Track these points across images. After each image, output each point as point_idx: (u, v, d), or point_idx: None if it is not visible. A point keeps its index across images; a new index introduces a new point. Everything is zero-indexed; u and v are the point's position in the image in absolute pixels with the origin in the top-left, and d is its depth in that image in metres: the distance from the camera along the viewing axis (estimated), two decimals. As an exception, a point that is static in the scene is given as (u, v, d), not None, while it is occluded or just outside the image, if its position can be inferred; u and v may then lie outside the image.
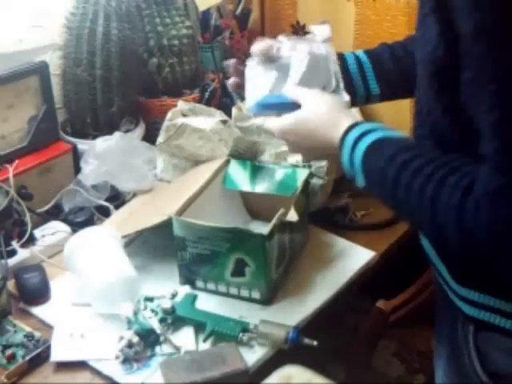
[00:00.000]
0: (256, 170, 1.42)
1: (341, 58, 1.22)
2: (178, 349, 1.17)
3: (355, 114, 1.65)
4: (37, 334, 1.20)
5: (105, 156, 1.52)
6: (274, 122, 1.11)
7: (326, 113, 1.06)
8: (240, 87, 1.22)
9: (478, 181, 0.83)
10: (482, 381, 1.01)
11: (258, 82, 1.15)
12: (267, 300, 1.27)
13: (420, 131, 1.01)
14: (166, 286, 1.27)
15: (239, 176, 1.42)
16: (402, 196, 0.91)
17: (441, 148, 0.94)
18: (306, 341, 1.16)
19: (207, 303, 1.26)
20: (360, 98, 1.24)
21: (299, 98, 1.09)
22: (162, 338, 1.17)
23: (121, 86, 1.63)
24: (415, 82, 1.02)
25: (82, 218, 1.47)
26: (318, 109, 1.07)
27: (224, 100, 1.81)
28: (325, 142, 1.04)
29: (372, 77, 1.23)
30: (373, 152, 0.96)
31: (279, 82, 1.13)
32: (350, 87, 1.20)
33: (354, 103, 1.24)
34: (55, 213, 1.49)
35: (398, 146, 0.95)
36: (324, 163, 1.44)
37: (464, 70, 0.84)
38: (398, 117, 1.75)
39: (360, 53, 1.25)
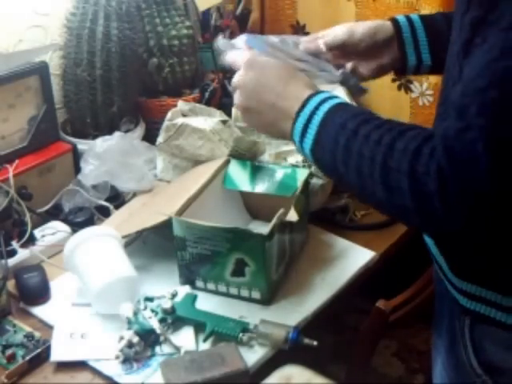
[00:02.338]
0: (256, 170, 1.42)
1: (394, 22, 1.20)
2: (178, 349, 1.17)
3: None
4: (37, 334, 1.20)
5: (105, 156, 1.52)
6: (243, 53, 1.09)
7: (295, 74, 1.03)
8: None
9: (438, 129, 0.83)
10: (476, 373, 1.02)
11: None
12: (267, 300, 1.27)
13: (442, 109, 0.99)
14: (165, 286, 1.27)
15: (239, 176, 1.42)
16: (356, 147, 0.89)
17: None
18: (306, 341, 1.16)
19: (207, 303, 1.26)
20: (411, 66, 1.21)
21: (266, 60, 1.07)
22: (161, 338, 1.17)
23: (121, 86, 1.63)
24: None
25: (82, 218, 1.47)
26: (286, 68, 1.05)
27: (224, 100, 1.81)
28: (295, 91, 1.00)
29: (425, 45, 1.20)
30: (337, 111, 0.94)
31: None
32: (401, 52, 1.20)
33: (404, 71, 1.23)
34: (55, 213, 1.49)
35: (363, 109, 0.96)
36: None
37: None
38: (398, 116, 1.75)
39: (415, 17, 1.21)
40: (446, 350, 1.10)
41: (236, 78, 1.06)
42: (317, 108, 0.95)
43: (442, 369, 1.12)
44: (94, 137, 1.61)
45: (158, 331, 1.17)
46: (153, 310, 1.20)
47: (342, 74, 1.22)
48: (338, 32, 1.22)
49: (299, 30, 1.97)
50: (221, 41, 1.22)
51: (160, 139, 1.55)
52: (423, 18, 1.22)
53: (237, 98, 1.06)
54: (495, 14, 0.80)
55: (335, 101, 0.96)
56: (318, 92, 0.99)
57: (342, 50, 1.22)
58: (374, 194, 0.88)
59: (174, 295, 1.23)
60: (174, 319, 1.20)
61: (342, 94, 1.69)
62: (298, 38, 1.25)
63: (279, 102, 1.00)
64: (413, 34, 1.20)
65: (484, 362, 1.01)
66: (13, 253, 1.35)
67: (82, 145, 1.59)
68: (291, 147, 1.46)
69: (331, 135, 0.92)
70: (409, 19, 1.21)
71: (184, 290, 1.28)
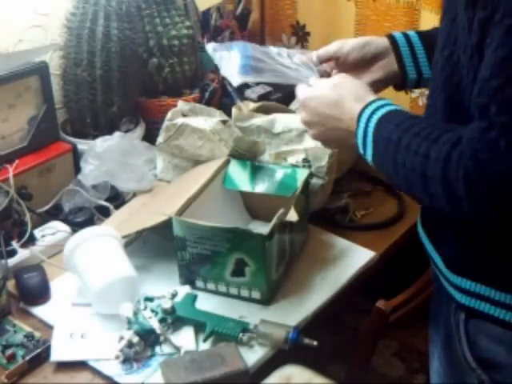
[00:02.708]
0: (256, 170, 1.42)
1: (390, 37, 1.23)
2: (178, 349, 1.17)
3: None
4: (37, 334, 1.20)
5: (105, 156, 1.52)
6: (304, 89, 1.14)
7: (356, 85, 1.09)
8: None
9: (466, 131, 0.87)
10: (471, 367, 1.03)
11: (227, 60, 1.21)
12: (267, 300, 1.27)
13: (432, 99, 1.03)
14: (165, 286, 1.27)
15: (239, 176, 1.42)
16: (400, 158, 0.95)
17: (453, 118, 0.97)
18: (306, 341, 1.16)
19: (207, 303, 1.26)
20: (411, 80, 1.24)
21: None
22: (161, 338, 1.17)
23: (121, 86, 1.63)
24: None
25: (82, 218, 1.47)
26: (348, 79, 1.11)
27: (224, 100, 1.81)
28: (349, 111, 1.05)
29: (424, 59, 1.22)
30: (383, 122, 1.00)
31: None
32: (400, 69, 1.22)
33: (404, 86, 1.26)
34: (55, 213, 1.49)
35: (405, 115, 1.01)
36: (324, 163, 1.44)
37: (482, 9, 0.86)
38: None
39: (411, 33, 1.24)
40: (443, 346, 1.11)
41: (301, 118, 1.16)
42: (367, 123, 1.02)
43: (439, 364, 1.14)
44: (94, 137, 1.61)
45: (158, 331, 1.17)
46: (153, 310, 1.20)
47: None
48: (329, 46, 1.27)
49: (299, 29, 1.98)
50: (211, 45, 1.25)
51: (160, 139, 1.55)
52: (419, 33, 1.25)
53: (308, 130, 1.16)
54: (500, 13, 0.82)
55: (382, 111, 1.01)
56: (367, 105, 1.03)
57: (334, 63, 1.26)
58: (421, 199, 1.00)
59: (174, 295, 1.23)
60: (173, 319, 1.20)
61: None
62: (293, 52, 1.29)
63: (340, 124, 1.08)
64: (410, 48, 1.22)
65: (478, 356, 1.03)
66: (13, 253, 1.35)
67: (82, 145, 1.59)
68: (291, 147, 1.46)
69: (381, 149, 1.00)
70: (405, 34, 1.23)
71: (184, 290, 1.28)
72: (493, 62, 0.83)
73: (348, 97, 1.07)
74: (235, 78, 1.20)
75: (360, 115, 1.03)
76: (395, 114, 1.01)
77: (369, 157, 1.02)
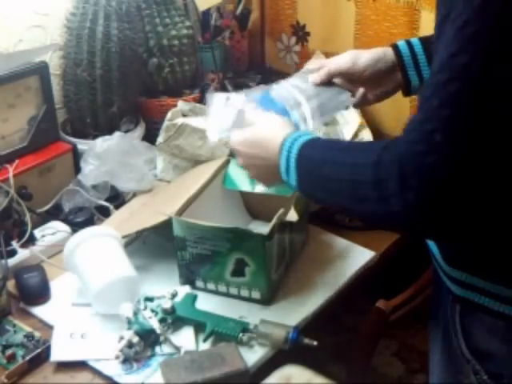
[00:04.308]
0: (256, 170, 1.42)
1: (394, 46, 1.25)
2: (178, 349, 1.17)
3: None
4: (37, 334, 1.20)
5: (105, 156, 1.52)
6: (235, 137, 1.16)
7: (274, 127, 1.11)
8: None
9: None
10: (466, 358, 1.05)
11: (220, 114, 1.21)
12: (267, 300, 1.27)
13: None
14: (165, 286, 1.27)
15: (239, 176, 1.42)
16: (327, 171, 0.96)
17: None
18: (306, 341, 1.16)
19: (207, 303, 1.26)
20: (415, 87, 1.26)
21: (255, 118, 1.15)
22: (161, 338, 1.17)
23: (121, 86, 1.63)
24: None
25: (82, 218, 1.47)
26: (268, 123, 1.12)
27: (224, 100, 1.81)
28: (271, 149, 1.08)
29: (425, 66, 1.24)
30: (306, 148, 1.02)
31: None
32: (404, 76, 1.25)
33: (408, 93, 1.28)
34: (55, 213, 1.49)
35: (325, 140, 1.08)
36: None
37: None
38: (398, 116, 1.75)
39: (414, 40, 1.26)
40: (442, 339, 1.13)
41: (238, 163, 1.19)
42: (289, 150, 1.03)
43: (439, 357, 1.15)
44: (94, 137, 1.62)
45: (158, 331, 1.17)
46: (153, 310, 1.20)
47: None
48: (341, 61, 1.27)
49: (299, 29, 1.97)
50: (215, 96, 1.23)
51: (160, 139, 1.55)
52: (422, 40, 1.26)
53: (248, 173, 1.18)
54: (455, 12, 0.83)
55: (303, 138, 1.03)
56: (285, 137, 1.06)
57: (346, 78, 1.27)
58: (349, 208, 0.96)
59: (174, 295, 1.23)
60: (173, 319, 1.20)
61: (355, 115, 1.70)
62: (306, 70, 1.31)
63: (268, 162, 1.09)
64: (413, 57, 1.24)
65: (473, 347, 1.04)
66: (13, 253, 1.35)
67: (82, 145, 1.59)
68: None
69: (306, 169, 1.01)
70: (409, 43, 1.25)
71: (184, 290, 1.28)
72: (442, 57, 0.84)
73: (267, 135, 1.09)
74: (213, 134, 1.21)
75: (282, 146, 1.05)
76: (316, 140, 1.04)
77: (293, 181, 1.03)
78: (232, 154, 1.45)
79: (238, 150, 1.14)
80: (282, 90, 1.23)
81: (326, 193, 0.98)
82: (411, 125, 0.86)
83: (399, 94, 1.40)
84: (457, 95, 0.82)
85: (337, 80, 1.27)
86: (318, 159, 0.99)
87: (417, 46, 1.25)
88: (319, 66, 1.28)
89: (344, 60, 1.26)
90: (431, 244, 1.10)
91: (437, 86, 0.84)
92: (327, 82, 1.26)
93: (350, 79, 1.27)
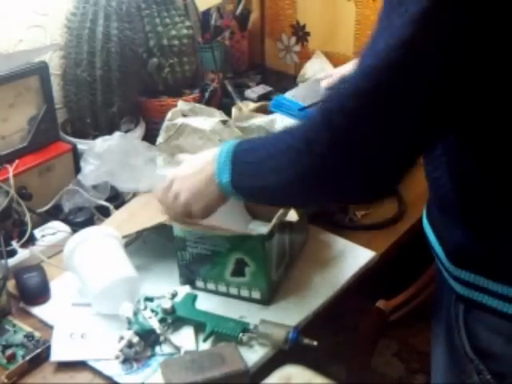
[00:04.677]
0: (256, 170, 1.42)
1: None
2: (178, 349, 1.17)
3: None
4: (37, 334, 1.20)
5: (105, 156, 1.52)
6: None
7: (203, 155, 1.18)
8: None
9: None
10: (469, 357, 1.05)
11: None
12: (267, 300, 1.27)
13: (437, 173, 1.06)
14: (165, 286, 1.27)
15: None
16: (260, 155, 1.04)
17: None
18: (306, 341, 1.16)
19: (207, 303, 1.26)
20: None
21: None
22: (161, 338, 1.17)
23: (121, 86, 1.63)
24: None
25: (82, 218, 1.47)
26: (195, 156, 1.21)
27: (224, 100, 1.81)
28: (205, 163, 1.13)
29: None
30: (238, 146, 1.08)
31: None
32: None
33: None
34: (55, 213, 1.49)
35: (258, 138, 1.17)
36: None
37: None
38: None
39: None
40: (445, 337, 1.13)
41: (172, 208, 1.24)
42: (222, 152, 1.09)
43: (441, 355, 1.15)
44: (94, 137, 1.62)
45: (158, 331, 1.17)
46: (153, 310, 1.20)
47: None
48: (351, 68, 1.27)
49: (299, 29, 1.98)
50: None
51: (160, 139, 1.55)
52: None
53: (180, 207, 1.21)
54: (403, 6, 0.86)
55: (235, 142, 1.10)
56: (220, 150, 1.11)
57: None
58: (289, 178, 1.00)
59: (174, 295, 1.23)
60: (174, 319, 1.20)
61: None
62: (314, 79, 1.36)
63: (201, 176, 1.15)
64: None
65: (476, 346, 1.04)
66: (13, 253, 1.35)
67: (82, 145, 1.59)
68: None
69: (240, 160, 1.07)
70: None
71: (184, 290, 1.28)
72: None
73: (198, 158, 1.17)
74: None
75: (218, 155, 1.10)
76: (248, 140, 1.12)
77: (226, 178, 1.08)
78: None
79: (171, 179, 1.19)
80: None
81: (266, 176, 1.02)
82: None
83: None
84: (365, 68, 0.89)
85: None
86: (251, 149, 1.06)
87: None
88: (326, 74, 1.29)
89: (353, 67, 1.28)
90: (435, 243, 1.10)
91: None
92: None
93: None
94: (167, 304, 1.20)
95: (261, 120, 1.51)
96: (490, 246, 0.99)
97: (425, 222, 1.15)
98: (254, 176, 1.04)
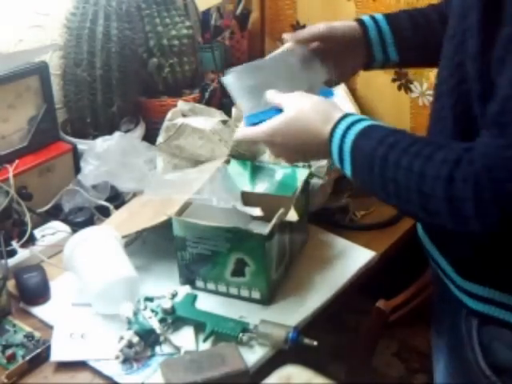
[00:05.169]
0: (256, 170, 1.42)
1: (359, 21, 1.23)
2: (178, 349, 1.17)
3: (352, 110, 1.65)
4: (37, 334, 1.20)
5: (105, 156, 1.52)
6: (257, 128, 1.10)
7: (314, 109, 1.05)
8: None
9: (478, 147, 0.85)
10: (485, 374, 1.01)
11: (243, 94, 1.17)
12: (267, 300, 1.27)
13: (439, 103, 1.01)
14: (165, 286, 1.27)
15: (239, 176, 1.42)
16: (390, 175, 0.92)
17: (461, 123, 0.95)
18: (306, 341, 1.16)
19: (207, 303, 1.26)
20: (377, 63, 1.25)
21: (282, 103, 1.09)
22: (161, 338, 1.17)
23: (121, 85, 1.63)
24: (436, 53, 1.03)
25: (82, 218, 1.47)
26: (304, 107, 1.06)
27: (224, 100, 1.81)
28: (315, 137, 1.03)
29: (392, 43, 1.22)
30: (362, 138, 0.97)
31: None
32: (368, 52, 1.22)
33: (370, 67, 1.26)
34: (55, 213, 1.49)
35: (386, 130, 0.97)
36: (324, 163, 1.44)
37: (505, 25, 0.84)
38: (398, 116, 1.75)
39: (379, 17, 1.23)
40: (449, 351, 1.10)
41: (271, 153, 1.18)
42: (342, 142, 0.99)
43: (445, 369, 1.12)
44: (94, 137, 1.62)
45: (158, 331, 1.17)
46: (153, 310, 1.20)
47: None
48: (317, 26, 1.23)
49: (299, 30, 1.97)
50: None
51: (160, 139, 1.55)
52: (387, 16, 1.24)
53: (283, 159, 1.16)
54: None
55: (358, 127, 0.98)
56: (336, 124, 1.01)
57: (322, 43, 1.22)
58: (417, 215, 0.96)
59: (174, 295, 1.23)
60: (174, 319, 1.20)
61: (343, 93, 1.69)
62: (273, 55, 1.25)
63: (312, 149, 1.06)
64: (379, 33, 1.22)
65: (493, 363, 1.00)
66: (13, 253, 1.35)
67: (82, 145, 1.59)
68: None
69: (364, 166, 0.96)
70: (373, 19, 1.23)
71: (184, 290, 1.28)
72: None
73: (313, 122, 1.04)
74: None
75: (332, 136, 1.00)
76: (375, 129, 0.98)
77: (348, 172, 1.00)
78: (232, 154, 1.45)
79: (275, 141, 1.08)
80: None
81: (390, 195, 0.94)
82: (489, 148, 0.83)
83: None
84: None
85: (313, 45, 1.22)
86: (379, 158, 0.93)
87: (382, 22, 1.23)
88: (293, 35, 1.23)
89: (320, 26, 1.23)
90: (435, 253, 1.07)
91: None
92: (303, 58, 1.21)
93: (326, 45, 1.21)
94: (167, 304, 1.20)
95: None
96: (503, 257, 0.94)
97: (420, 233, 1.12)
98: (374, 186, 0.97)
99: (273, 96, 1.12)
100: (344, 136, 0.99)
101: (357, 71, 1.29)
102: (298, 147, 1.08)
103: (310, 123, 1.04)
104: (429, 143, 0.91)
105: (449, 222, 0.87)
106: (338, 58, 1.23)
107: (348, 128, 0.99)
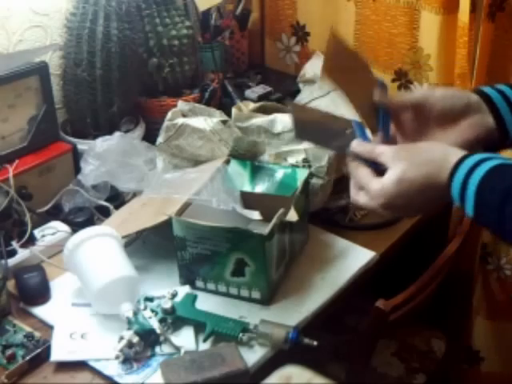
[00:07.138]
0: (256, 170, 1.42)
1: (478, 91, 1.05)
2: (178, 349, 1.17)
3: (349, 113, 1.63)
4: (37, 334, 1.20)
5: (105, 156, 1.52)
6: (371, 195, 1.00)
7: (425, 161, 0.96)
8: None
9: None
10: None
11: None
12: (267, 300, 1.27)
13: None
14: (165, 286, 1.27)
15: (239, 176, 1.42)
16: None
17: None
18: (306, 341, 1.16)
19: (207, 303, 1.26)
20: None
21: (386, 160, 0.98)
22: (161, 338, 1.17)
23: (121, 85, 1.63)
24: None
25: (82, 218, 1.47)
26: (413, 161, 0.96)
27: (224, 100, 1.81)
28: (436, 188, 0.95)
29: None
30: (491, 178, 0.89)
31: None
32: (499, 126, 1.03)
33: (501, 146, 1.07)
34: (55, 213, 1.49)
35: (503, 183, 0.88)
36: (324, 163, 1.44)
37: None
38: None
39: (502, 86, 1.06)
40: None
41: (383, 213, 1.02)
42: (466, 181, 0.91)
43: None
44: (94, 137, 1.61)
45: (158, 331, 1.17)
46: (153, 310, 1.20)
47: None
48: (413, 94, 1.12)
49: (299, 29, 1.98)
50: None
51: (160, 139, 1.55)
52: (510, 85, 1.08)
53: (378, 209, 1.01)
54: None
55: (485, 168, 0.90)
56: (458, 164, 0.93)
57: (412, 116, 1.06)
58: None
59: (174, 295, 1.23)
60: (174, 319, 1.20)
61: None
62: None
63: (432, 195, 0.96)
64: (506, 100, 1.04)
65: None
66: (13, 253, 1.35)
67: (82, 145, 1.59)
68: (291, 147, 1.46)
69: (491, 209, 0.89)
70: (494, 87, 1.06)
71: (184, 290, 1.28)
72: None
73: (431, 175, 0.94)
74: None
75: (453, 175, 0.92)
76: (505, 168, 0.89)
77: (469, 212, 0.91)
78: (232, 154, 1.44)
79: (395, 204, 0.97)
80: None
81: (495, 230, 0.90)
82: None
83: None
84: None
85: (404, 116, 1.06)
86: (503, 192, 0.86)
87: (508, 91, 1.05)
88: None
89: (416, 93, 1.12)
90: None
91: None
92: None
93: (417, 117, 1.06)
94: (167, 304, 1.20)
95: (261, 120, 1.51)
96: None
97: None
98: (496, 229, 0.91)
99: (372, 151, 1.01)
100: (469, 175, 0.91)
101: (473, 149, 1.01)
102: (422, 202, 0.97)
103: (427, 177, 0.95)
104: None
105: None
106: (447, 130, 1.06)
107: (474, 167, 0.91)
